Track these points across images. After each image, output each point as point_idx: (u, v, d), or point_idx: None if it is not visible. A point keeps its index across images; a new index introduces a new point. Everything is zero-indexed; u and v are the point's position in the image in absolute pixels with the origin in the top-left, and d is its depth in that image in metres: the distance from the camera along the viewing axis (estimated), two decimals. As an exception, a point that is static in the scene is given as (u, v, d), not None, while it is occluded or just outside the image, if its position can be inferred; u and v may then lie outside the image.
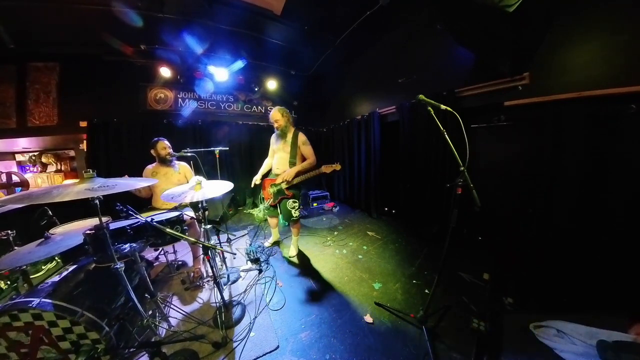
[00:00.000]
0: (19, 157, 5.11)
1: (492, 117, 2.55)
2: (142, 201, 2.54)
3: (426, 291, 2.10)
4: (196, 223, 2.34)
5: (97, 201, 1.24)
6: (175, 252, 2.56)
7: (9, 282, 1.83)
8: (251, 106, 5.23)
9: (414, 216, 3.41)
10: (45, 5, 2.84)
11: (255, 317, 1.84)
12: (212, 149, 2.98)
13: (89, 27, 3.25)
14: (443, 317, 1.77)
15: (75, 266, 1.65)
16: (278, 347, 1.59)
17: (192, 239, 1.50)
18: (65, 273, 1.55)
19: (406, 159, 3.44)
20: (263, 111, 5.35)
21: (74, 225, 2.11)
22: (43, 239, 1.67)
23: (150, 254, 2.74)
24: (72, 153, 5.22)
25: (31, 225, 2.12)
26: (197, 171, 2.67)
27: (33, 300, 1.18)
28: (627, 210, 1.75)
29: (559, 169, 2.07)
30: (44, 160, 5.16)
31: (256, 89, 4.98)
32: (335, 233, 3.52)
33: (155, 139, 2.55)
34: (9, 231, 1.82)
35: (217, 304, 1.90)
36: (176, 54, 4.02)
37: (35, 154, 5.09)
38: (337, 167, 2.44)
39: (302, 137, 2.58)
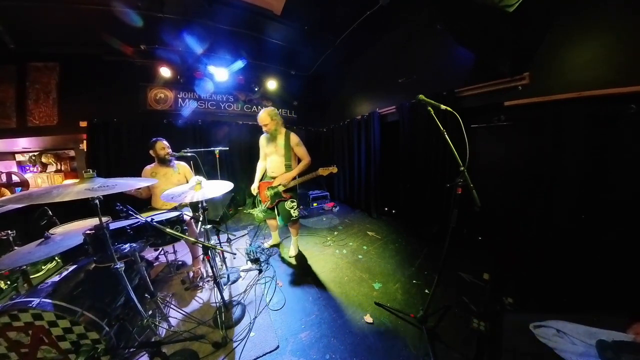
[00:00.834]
0: (19, 157, 5.11)
1: (492, 117, 2.55)
2: (142, 201, 2.54)
3: (426, 291, 2.10)
4: (193, 223, 2.34)
5: (97, 201, 1.24)
6: (175, 252, 2.56)
7: (9, 282, 1.83)
8: (251, 106, 5.23)
9: (414, 216, 3.41)
10: (45, 5, 2.84)
11: (255, 317, 1.84)
12: (212, 149, 2.98)
13: (89, 27, 3.25)
14: (443, 317, 1.77)
15: (75, 266, 1.65)
16: (278, 347, 1.59)
17: (192, 239, 1.50)
18: (65, 273, 1.55)
19: (406, 159, 3.44)
20: (263, 111, 5.35)
21: (74, 225, 2.11)
22: (43, 239, 1.66)
23: (150, 254, 2.74)
24: (72, 153, 5.21)
25: (31, 225, 2.13)
26: (197, 171, 2.67)
27: (33, 300, 1.18)
28: (627, 210, 1.75)
29: (559, 169, 2.07)
30: (44, 160, 5.16)
31: (256, 89, 4.98)
32: (335, 233, 3.52)
33: (154, 139, 2.55)
34: (9, 231, 1.82)
35: (217, 304, 1.90)
36: (176, 54, 4.03)
37: (35, 154, 5.09)
38: (334, 169, 2.44)
39: (294, 138, 2.51)
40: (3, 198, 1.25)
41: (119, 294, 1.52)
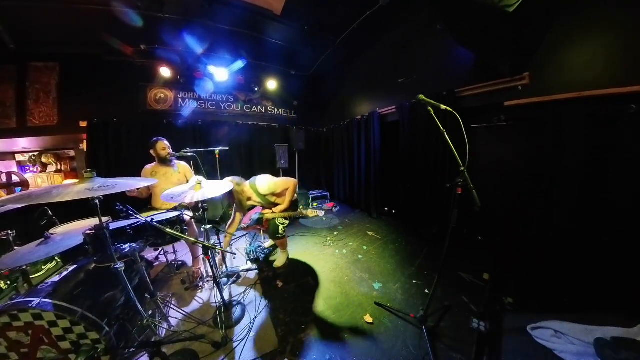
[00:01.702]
0: (19, 157, 5.11)
1: (492, 117, 2.55)
2: (142, 201, 2.54)
3: (426, 291, 2.10)
4: (194, 223, 2.34)
5: (97, 201, 1.24)
6: (175, 252, 2.56)
7: (9, 282, 1.82)
8: (251, 106, 5.23)
9: (414, 216, 3.41)
10: (45, 5, 2.84)
11: (255, 317, 1.84)
12: (212, 149, 2.98)
13: (89, 27, 3.25)
14: (443, 317, 1.77)
15: (75, 266, 1.65)
16: (278, 347, 1.59)
17: (192, 239, 1.50)
18: (65, 273, 1.55)
19: (406, 159, 3.44)
20: (263, 111, 5.36)
21: (74, 225, 2.11)
22: (43, 239, 1.66)
23: (150, 254, 2.74)
24: (72, 153, 5.22)
25: (31, 225, 2.13)
26: (197, 171, 2.67)
27: (33, 300, 1.18)
28: (627, 210, 1.75)
29: (559, 169, 2.07)
30: (44, 160, 5.16)
31: (256, 89, 4.98)
32: (335, 233, 3.52)
33: (155, 138, 2.55)
34: (9, 231, 1.82)
35: (217, 304, 1.90)
36: (176, 54, 4.03)
37: (35, 154, 5.09)
38: (321, 213, 2.44)
39: (265, 188, 2.34)
40: (3, 198, 1.25)
41: (119, 294, 1.52)
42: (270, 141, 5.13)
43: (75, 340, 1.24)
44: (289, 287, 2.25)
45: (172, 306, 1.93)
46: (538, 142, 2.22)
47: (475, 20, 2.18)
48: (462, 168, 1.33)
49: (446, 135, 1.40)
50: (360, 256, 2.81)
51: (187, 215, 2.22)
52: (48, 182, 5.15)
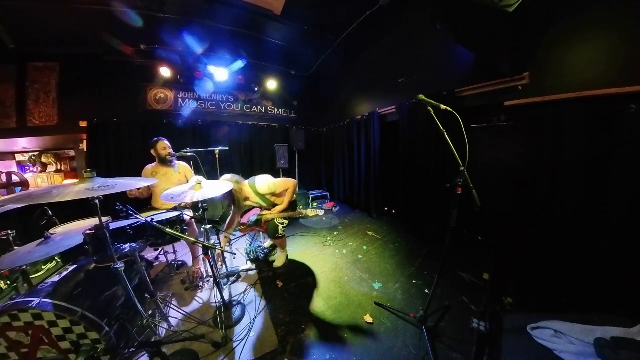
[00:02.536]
0: (19, 157, 5.11)
1: (492, 117, 2.55)
2: (142, 201, 2.53)
3: (426, 291, 2.10)
4: (194, 222, 2.34)
5: (97, 201, 1.24)
6: (175, 252, 2.56)
7: (9, 282, 1.83)
8: (251, 106, 5.23)
9: (414, 216, 3.41)
10: (45, 5, 2.84)
11: (255, 317, 1.84)
12: (212, 149, 2.98)
13: (89, 27, 3.25)
14: (443, 317, 1.77)
15: (75, 266, 1.65)
16: (278, 347, 1.59)
17: (192, 239, 1.50)
18: (65, 273, 1.55)
19: (406, 159, 3.44)
20: (263, 111, 5.36)
21: (74, 225, 2.11)
22: (43, 239, 1.66)
23: (150, 254, 2.74)
24: (72, 153, 5.22)
25: (31, 225, 2.12)
26: (197, 171, 2.67)
27: (33, 300, 1.18)
28: (628, 210, 1.75)
29: (559, 169, 2.06)
30: (44, 160, 5.16)
31: (256, 89, 4.98)
32: (335, 233, 3.52)
33: (156, 138, 2.55)
34: (9, 231, 1.82)
35: (217, 304, 1.90)
36: (176, 54, 4.03)
37: (35, 154, 5.09)
38: (321, 212, 2.40)
39: (265, 188, 2.32)
40: (3, 198, 1.25)
41: (119, 294, 1.52)
42: (270, 141, 5.13)
43: (75, 340, 1.24)
44: (289, 287, 2.25)
45: (172, 306, 1.93)
46: (538, 142, 2.22)
47: (476, 20, 2.18)
48: (462, 168, 1.33)
49: (446, 135, 1.40)
50: (360, 256, 2.81)
51: (187, 215, 2.22)
52: (48, 182, 5.15)
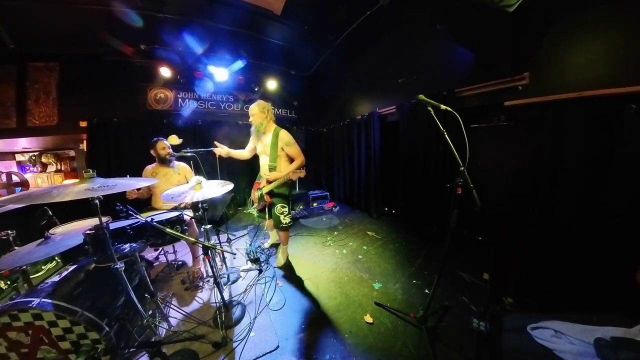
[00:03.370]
0: (19, 157, 5.11)
1: (492, 117, 2.55)
2: (142, 201, 2.54)
3: (426, 291, 2.10)
4: (194, 222, 2.34)
5: (97, 201, 1.24)
6: (175, 252, 2.56)
7: (9, 282, 1.82)
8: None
9: (414, 216, 3.40)
10: (45, 5, 2.85)
11: (255, 317, 1.84)
12: (212, 149, 2.97)
13: (89, 27, 3.25)
14: (443, 317, 1.77)
15: (75, 266, 1.65)
16: (278, 347, 1.59)
17: (192, 239, 1.50)
18: (65, 273, 1.55)
19: (406, 159, 3.44)
20: (263, 111, 5.35)
21: (74, 225, 2.11)
22: (43, 239, 1.66)
23: (150, 254, 2.74)
24: (72, 153, 5.21)
25: (31, 225, 2.12)
26: (197, 171, 2.67)
27: (33, 300, 1.18)
28: (627, 210, 1.75)
29: (559, 169, 2.06)
30: (44, 160, 5.16)
31: (256, 89, 4.99)
32: (335, 233, 3.52)
33: (155, 138, 2.56)
34: (9, 231, 1.82)
35: (217, 304, 1.90)
36: (176, 54, 4.03)
37: (35, 154, 5.09)
38: (302, 173, 2.23)
39: (284, 137, 2.27)
40: (3, 198, 1.25)
41: (119, 294, 1.52)
42: (270, 141, 5.12)
43: (75, 340, 1.24)
44: (289, 287, 2.26)
45: (172, 306, 1.93)
46: (538, 142, 2.22)
47: (476, 20, 2.18)
48: (462, 168, 1.33)
49: (446, 135, 1.40)
50: (360, 256, 2.81)
51: (187, 215, 2.22)
52: (48, 182, 5.15)
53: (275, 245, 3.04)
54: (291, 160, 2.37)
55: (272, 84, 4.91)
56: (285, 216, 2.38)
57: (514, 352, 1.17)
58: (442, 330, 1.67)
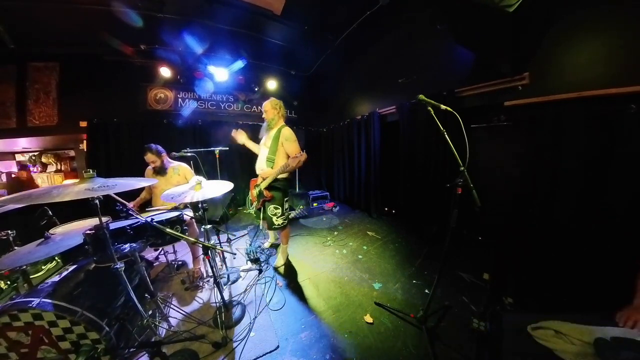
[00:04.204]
0: (19, 157, 5.11)
1: (492, 117, 2.55)
2: (143, 202, 2.54)
3: (426, 291, 2.10)
4: (194, 222, 2.33)
5: (97, 201, 1.24)
6: (175, 252, 2.56)
7: (9, 282, 1.82)
8: (251, 106, 5.23)
9: (414, 216, 3.40)
10: (45, 5, 2.84)
11: (255, 317, 1.84)
12: (212, 149, 2.98)
13: (89, 27, 3.25)
14: (443, 317, 1.77)
15: (75, 266, 1.65)
16: (278, 347, 1.59)
17: (192, 239, 1.50)
18: (65, 273, 1.55)
19: (406, 159, 3.44)
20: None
21: (74, 225, 2.11)
22: (43, 239, 1.66)
23: (150, 254, 2.74)
24: (72, 153, 5.22)
25: (31, 225, 2.12)
26: (197, 171, 2.67)
27: (33, 300, 1.18)
28: (627, 210, 1.75)
29: (559, 169, 2.06)
30: (44, 160, 5.16)
31: (256, 89, 4.98)
32: (335, 233, 3.52)
33: (146, 146, 2.47)
34: (9, 231, 1.82)
35: (217, 304, 1.90)
36: (176, 54, 4.03)
37: (35, 154, 5.09)
38: (303, 157, 2.13)
39: (286, 132, 2.28)
40: (3, 198, 1.25)
41: (119, 294, 1.52)
42: (270, 141, 5.12)
43: (75, 340, 1.24)
44: (289, 287, 2.26)
45: (172, 306, 1.93)
46: (538, 142, 2.22)
47: (475, 20, 2.18)
48: (462, 168, 1.33)
49: (446, 135, 1.40)
50: (360, 256, 2.81)
51: (187, 215, 2.22)
52: (48, 182, 5.15)
53: (275, 245, 3.04)
54: (288, 157, 2.32)
55: (272, 84, 4.91)
56: (277, 217, 2.36)
57: (514, 352, 1.17)
58: (442, 330, 1.67)
